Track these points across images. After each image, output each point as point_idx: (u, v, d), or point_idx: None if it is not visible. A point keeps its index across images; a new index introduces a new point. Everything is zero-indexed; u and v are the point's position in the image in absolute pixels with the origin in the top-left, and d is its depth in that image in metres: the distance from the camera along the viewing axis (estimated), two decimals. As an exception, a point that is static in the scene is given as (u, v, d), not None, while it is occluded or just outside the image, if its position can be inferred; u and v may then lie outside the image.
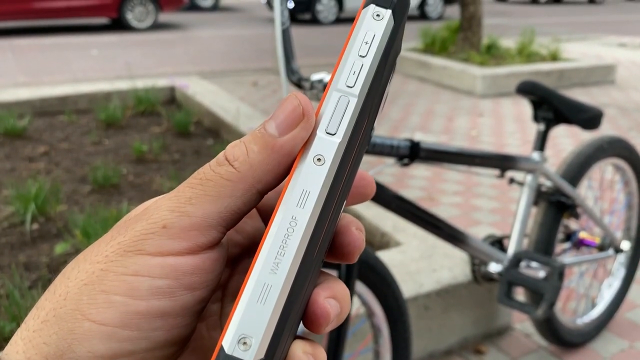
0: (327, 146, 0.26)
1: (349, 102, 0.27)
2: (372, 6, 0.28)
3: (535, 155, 1.67)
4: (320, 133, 0.26)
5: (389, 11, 0.28)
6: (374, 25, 0.28)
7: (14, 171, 3.08)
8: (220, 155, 0.27)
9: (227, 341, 0.23)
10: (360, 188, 0.30)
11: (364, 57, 0.28)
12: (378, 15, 0.28)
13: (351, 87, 0.27)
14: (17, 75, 6.22)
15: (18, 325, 1.71)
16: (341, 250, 0.28)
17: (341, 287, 0.28)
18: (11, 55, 7.38)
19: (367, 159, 3.34)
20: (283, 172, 0.27)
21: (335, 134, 0.26)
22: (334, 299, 0.27)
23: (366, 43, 0.28)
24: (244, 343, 0.23)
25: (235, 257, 0.32)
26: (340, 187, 0.26)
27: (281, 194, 0.26)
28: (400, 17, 0.29)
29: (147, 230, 0.25)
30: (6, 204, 2.57)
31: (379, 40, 0.28)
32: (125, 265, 0.25)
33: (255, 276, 0.24)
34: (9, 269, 2.08)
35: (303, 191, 0.25)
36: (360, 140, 0.27)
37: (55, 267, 2.10)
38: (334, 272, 1.18)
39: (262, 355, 0.23)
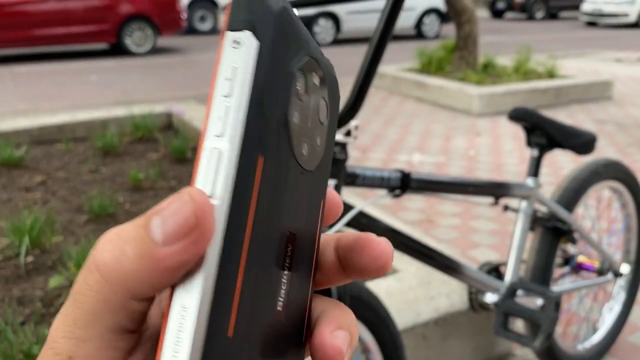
0: None
1: (220, 154, 0.22)
2: (228, 33, 0.24)
3: (530, 182, 1.66)
4: None
5: (248, 33, 0.23)
6: (234, 55, 0.23)
7: (10, 202, 3.07)
8: (90, 256, 0.22)
9: None
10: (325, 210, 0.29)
11: (228, 97, 0.23)
12: (236, 42, 0.23)
13: (220, 137, 0.22)
14: (16, 103, 6.25)
15: (10, 364, 1.69)
16: None
17: (344, 313, 0.27)
18: (11, 83, 7.43)
19: (358, 191, 3.30)
20: (166, 284, 0.22)
21: (211, 196, 0.22)
22: (340, 329, 0.26)
23: (227, 79, 0.23)
24: None
25: None
26: (249, 255, 0.22)
27: None
28: (270, 34, 0.24)
29: None
30: (1, 236, 2.56)
31: (243, 72, 0.23)
32: None
33: None
34: (3, 303, 2.06)
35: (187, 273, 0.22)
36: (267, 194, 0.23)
37: (49, 301, 2.08)
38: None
39: None
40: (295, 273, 0.26)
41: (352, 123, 1.09)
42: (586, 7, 16.04)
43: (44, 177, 3.44)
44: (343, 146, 1.13)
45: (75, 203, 3.04)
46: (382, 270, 0.27)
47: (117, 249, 0.21)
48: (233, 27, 0.24)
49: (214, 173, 0.22)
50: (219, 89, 0.23)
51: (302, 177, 0.26)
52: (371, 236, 0.27)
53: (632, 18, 15.08)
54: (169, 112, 4.60)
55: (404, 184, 1.27)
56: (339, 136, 1.12)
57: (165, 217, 0.21)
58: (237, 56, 0.23)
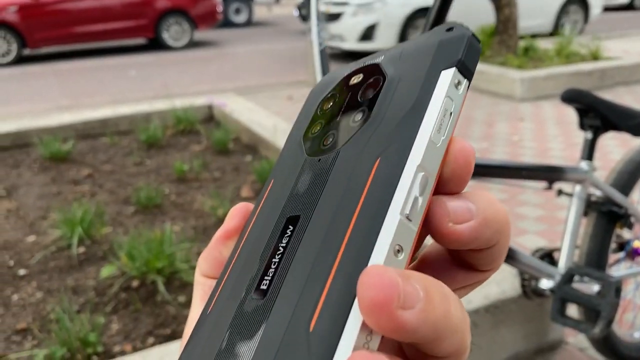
0: None
1: None
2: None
3: (584, 165, 1.61)
4: None
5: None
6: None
7: (60, 195, 3.15)
8: None
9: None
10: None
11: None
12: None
13: None
14: (60, 99, 6.40)
15: (69, 351, 1.74)
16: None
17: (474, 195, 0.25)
18: (54, 80, 7.61)
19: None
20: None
21: None
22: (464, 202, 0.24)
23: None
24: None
25: None
26: (245, 243, 0.27)
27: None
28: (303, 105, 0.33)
29: None
30: (54, 228, 2.63)
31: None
32: None
33: None
34: (58, 293, 2.12)
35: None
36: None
37: (102, 290, 2.13)
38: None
39: None
40: (307, 242, 0.23)
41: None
42: None
43: (90, 171, 3.52)
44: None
45: (122, 195, 3.10)
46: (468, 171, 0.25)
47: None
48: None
49: None
50: None
51: (321, 162, 0.26)
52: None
53: None
54: (209, 104, 4.64)
55: (458, 168, 1.25)
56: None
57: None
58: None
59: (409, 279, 0.20)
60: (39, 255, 2.42)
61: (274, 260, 0.24)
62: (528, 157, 3.78)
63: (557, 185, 1.62)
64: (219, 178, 3.32)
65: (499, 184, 3.21)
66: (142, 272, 2.11)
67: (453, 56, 0.25)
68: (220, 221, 2.69)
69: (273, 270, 0.23)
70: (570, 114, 4.67)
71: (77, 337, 1.76)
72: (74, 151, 3.86)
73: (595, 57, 6.23)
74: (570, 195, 1.64)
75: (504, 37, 6.34)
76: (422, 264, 0.28)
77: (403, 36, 7.77)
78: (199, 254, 2.37)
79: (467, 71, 0.26)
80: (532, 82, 5.38)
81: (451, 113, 0.25)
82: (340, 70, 0.32)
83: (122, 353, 1.79)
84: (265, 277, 0.23)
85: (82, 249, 2.45)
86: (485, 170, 1.34)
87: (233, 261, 0.26)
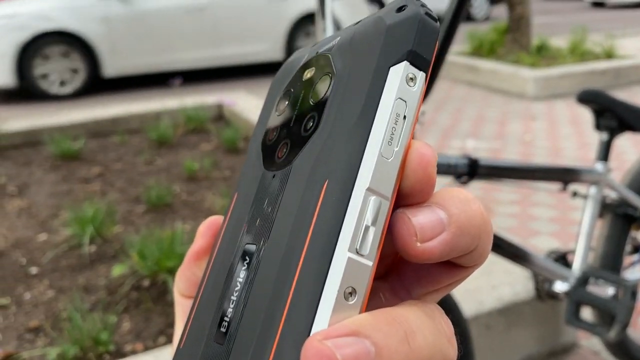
0: None
1: None
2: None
3: (599, 166, 1.59)
4: None
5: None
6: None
7: (71, 193, 3.16)
8: None
9: None
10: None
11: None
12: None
13: None
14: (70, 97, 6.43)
15: (81, 349, 1.74)
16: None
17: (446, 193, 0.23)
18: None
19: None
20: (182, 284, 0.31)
21: None
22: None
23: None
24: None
25: None
26: (211, 272, 0.27)
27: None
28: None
29: None
30: (65, 226, 2.64)
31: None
32: None
33: None
34: (70, 291, 2.12)
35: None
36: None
37: (114, 289, 2.13)
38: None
39: None
40: (259, 283, 0.22)
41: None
42: None
43: (101, 169, 3.53)
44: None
45: (132, 194, 3.11)
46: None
47: None
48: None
49: None
50: None
51: (275, 179, 0.25)
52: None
53: None
54: (219, 103, 4.64)
55: (472, 170, 1.23)
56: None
57: None
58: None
59: (357, 334, 0.18)
60: (50, 253, 2.43)
61: (232, 298, 0.23)
62: (540, 156, 3.75)
63: (572, 187, 1.60)
64: (229, 177, 3.32)
65: (512, 186, 3.18)
66: (153, 271, 2.11)
67: (403, 46, 0.22)
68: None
69: (231, 311, 0.23)
70: (584, 113, 4.62)
71: (89, 336, 1.76)
72: (85, 149, 3.87)
73: (609, 55, 6.17)
74: (585, 196, 1.62)
75: (516, 35, 6.29)
76: (403, 265, 0.26)
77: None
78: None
79: (421, 61, 0.22)
80: (545, 80, 5.34)
81: (405, 117, 0.22)
82: (299, 53, 0.30)
83: (134, 352, 1.79)
84: (225, 318, 0.23)
85: (93, 248, 2.46)
86: (499, 172, 1.33)
87: (202, 287, 0.27)
